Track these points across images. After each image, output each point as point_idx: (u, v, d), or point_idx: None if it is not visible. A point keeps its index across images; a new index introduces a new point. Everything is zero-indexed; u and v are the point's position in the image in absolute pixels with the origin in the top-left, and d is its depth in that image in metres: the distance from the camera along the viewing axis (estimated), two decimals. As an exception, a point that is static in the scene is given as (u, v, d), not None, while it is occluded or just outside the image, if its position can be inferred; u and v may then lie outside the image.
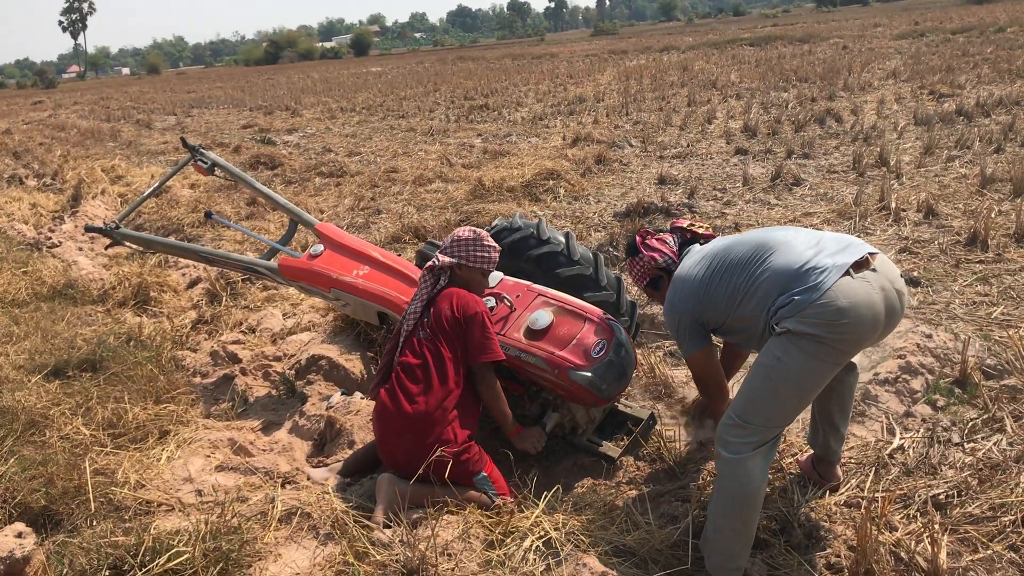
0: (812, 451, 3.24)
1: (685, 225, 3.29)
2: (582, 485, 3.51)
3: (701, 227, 3.29)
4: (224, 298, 6.39)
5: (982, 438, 3.34)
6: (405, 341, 3.44)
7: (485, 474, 3.29)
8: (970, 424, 3.44)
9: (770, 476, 3.29)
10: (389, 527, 2.96)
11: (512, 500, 3.19)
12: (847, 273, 2.56)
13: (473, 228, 3.54)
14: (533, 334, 3.51)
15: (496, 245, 3.54)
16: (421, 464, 3.07)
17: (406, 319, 3.47)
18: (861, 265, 2.60)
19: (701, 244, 3.18)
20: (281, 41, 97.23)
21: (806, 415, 3.30)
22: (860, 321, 2.53)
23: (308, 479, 3.71)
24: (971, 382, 3.76)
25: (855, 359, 3.00)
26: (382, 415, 3.34)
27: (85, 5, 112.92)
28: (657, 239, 3.26)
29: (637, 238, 3.30)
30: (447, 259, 3.48)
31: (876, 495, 3.03)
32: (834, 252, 2.65)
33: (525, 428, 3.50)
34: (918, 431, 3.48)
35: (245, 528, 2.96)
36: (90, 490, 3.38)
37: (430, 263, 3.49)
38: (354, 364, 4.80)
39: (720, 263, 2.89)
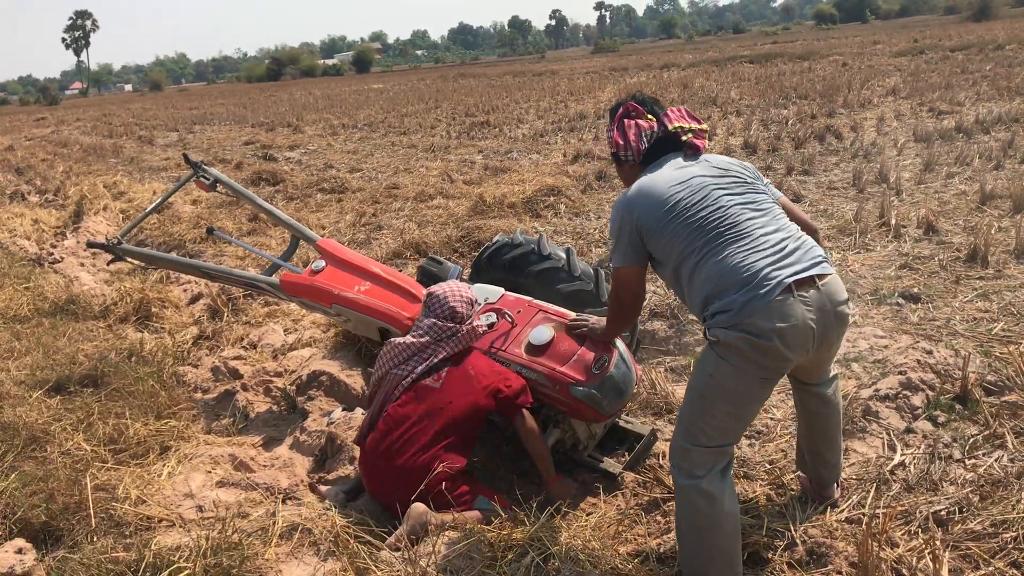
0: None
1: (674, 125, 2.86)
2: (583, 501, 3.51)
3: (689, 135, 2.86)
4: (225, 314, 6.40)
5: (983, 454, 3.34)
6: (408, 386, 3.40)
7: (483, 497, 3.29)
8: (971, 440, 3.44)
9: (771, 492, 3.29)
10: (398, 549, 2.94)
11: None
12: (789, 289, 2.47)
13: (464, 289, 3.61)
14: (534, 350, 3.51)
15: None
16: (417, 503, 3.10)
17: (407, 364, 3.46)
18: (805, 284, 2.51)
19: (685, 157, 2.85)
20: (283, 58, 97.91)
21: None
22: (786, 343, 2.47)
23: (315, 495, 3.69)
24: (972, 398, 3.76)
25: (827, 392, 2.97)
26: (371, 467, 3.37)
27: (88, 22, 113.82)
28: (635, 126, 2.87)
29: (620, 109, 2.94)
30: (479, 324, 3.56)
31: (877, 511, 3.02)
32: (790, 262, 2.53)
33: (563, 478, 3.55)
34: (919, 447, 3.47)
35: (246, 544, 2.96)
36: (91, 506, 3.38)
37: (473, 327, 3.52)
38: (355, 380, 4.80)
39: (686, 210, 2.65)
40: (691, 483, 2.60)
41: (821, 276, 2.55)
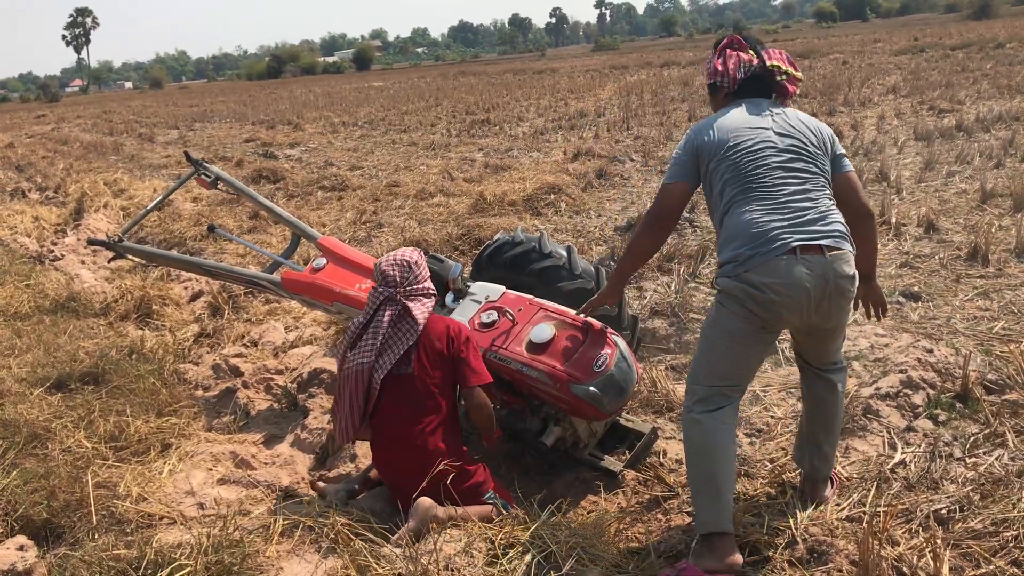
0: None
1: (772, 63, 2.98)
2: (584, 499, 3.51)
3: (783, 77, 3.00)
4: (226, 311, 6.40)
5: (984, 453, 3.34)
6: (385, 379, 3.30)
7: (492, 492, 3.29)
8: (972, 439, 3.45)
9: (772, 490, 3.29)
10: (400, 546, 2.94)
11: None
12: (793, 252, 2.62)
13: (406, 252, 3.46)
14: (535, 348, 3.51)
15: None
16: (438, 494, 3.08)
17: (358, 349, 3.33)
18: (812, 250, 2.64)
19: (773, 102, 2.99)
20: (284, 55, 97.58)
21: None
22: (781, 299, 2.64)
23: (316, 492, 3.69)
24: (972, 397, 3.77)
25: (834, 379, 3.02)
26: (390, 463, 3.33)
27: (89, 19, 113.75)
28: (736, 57, 3.00)
29: (725, 39, 3.09)
30: (426, 285, 3.43)
31: (878, 510, 3.02)
32: (803, 229, 2.66)
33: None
34: (920, 446, 3.48)
35: (247, 541, 2.96)
36: (92, 503, 3.38)
37: (424, 304, 3.37)
38: (356, 378, 4.81)
39: (739, 156, 2.81)
40: (687, 415, 2.84)
41: (831, 248, 2.67)
